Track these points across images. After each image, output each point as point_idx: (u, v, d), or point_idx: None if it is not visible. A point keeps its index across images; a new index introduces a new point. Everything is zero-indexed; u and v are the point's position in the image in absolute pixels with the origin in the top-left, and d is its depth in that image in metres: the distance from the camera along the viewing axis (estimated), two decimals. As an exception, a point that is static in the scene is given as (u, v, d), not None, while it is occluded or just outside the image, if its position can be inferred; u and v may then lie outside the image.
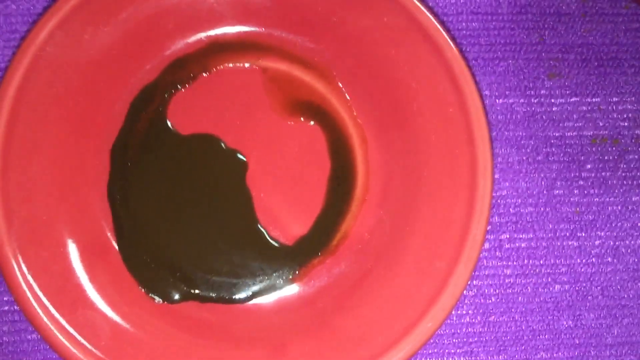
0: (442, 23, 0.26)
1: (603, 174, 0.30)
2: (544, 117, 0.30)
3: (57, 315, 0.24)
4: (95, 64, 0.27)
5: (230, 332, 0.26)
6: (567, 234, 0.30)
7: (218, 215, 0.28)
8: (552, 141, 0.30)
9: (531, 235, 0.30)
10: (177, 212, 0.27)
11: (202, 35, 0.28)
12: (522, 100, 0.30)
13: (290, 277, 0.27)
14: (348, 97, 0.29)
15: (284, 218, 0.28)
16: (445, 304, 0.25)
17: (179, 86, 0.28)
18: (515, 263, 0.29)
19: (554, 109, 0.30)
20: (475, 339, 0.29)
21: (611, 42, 0.31)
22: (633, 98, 0.30)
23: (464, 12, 0.30)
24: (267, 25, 0.28)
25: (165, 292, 0.27)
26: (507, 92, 0.30)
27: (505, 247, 0.29)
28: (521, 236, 0.29)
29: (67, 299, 0.25)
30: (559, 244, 0.29)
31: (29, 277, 0.24)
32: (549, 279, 0.29)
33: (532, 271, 0.29)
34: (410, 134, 0.27)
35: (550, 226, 0.30)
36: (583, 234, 0.30)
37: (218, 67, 0.29)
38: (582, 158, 0.30)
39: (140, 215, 0.27)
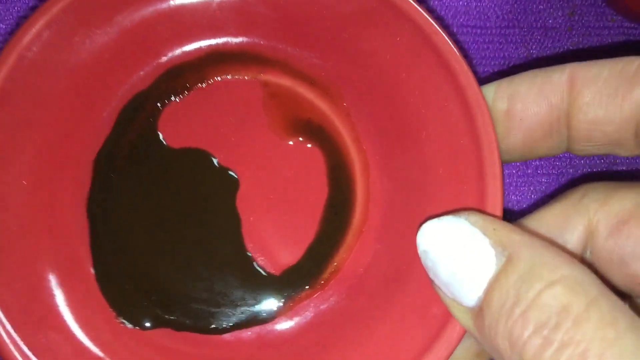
0: (459, 48, 0.24)
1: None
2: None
3: (13, 334, 0.22)
4: (85, 68, 0.25)
5: None
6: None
7: (203, 237, 0.26)
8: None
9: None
10: (159, 231, 0.26)
11: (202, 43, 0.27)
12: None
13: (275, 309, 0.25)
14: (352, 120, 0.27)
15: (273, 245, 0.26)
16: (440, 353, 0.22)
17: (173, 96, 0.27)
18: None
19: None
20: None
21: (598, 55, 0.30)
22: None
23: (453, 25, 0.30)
24: (271, 37, 0.27)
25: (138, 316, 0.25)
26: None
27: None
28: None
29: (31, 318, 0.23)
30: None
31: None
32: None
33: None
34: (417, 165, 0.25)
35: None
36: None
37: (216, 79, 0.27)
38: (571, 171, 0.30)
39: (120, 232, 0.25)
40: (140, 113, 0.26)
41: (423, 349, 0.22)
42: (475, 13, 0.30)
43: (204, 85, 0.27)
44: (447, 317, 0.22)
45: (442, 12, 0.30)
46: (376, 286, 0.25)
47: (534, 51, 0.30)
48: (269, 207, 0.26)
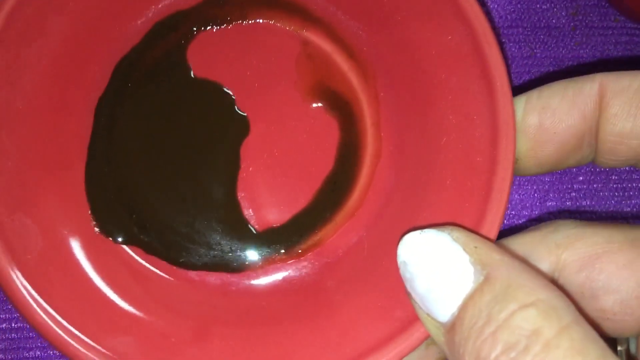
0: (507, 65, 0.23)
1: (595, 185, 0.30)
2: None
3: None
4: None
5: (164, 300, 0.24)
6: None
7: (198, 173, 0.25)
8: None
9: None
10: (157, 153, 0.25)
11: (253, -20, 0.26)
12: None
13: (246, 262, 0.25)
14: (379, 104, 0.26)
15: (263, 200, 0.26)
16: (400, 349, 0.22)
17: (211, 25, 0.26)
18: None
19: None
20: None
21: (601, 54, 0.31)
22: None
23: None
24: (325, -5, 0.26)
25: (113, 228, 0.25)
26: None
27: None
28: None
29: (9, 200, 0.23)
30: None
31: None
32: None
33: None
34: (427, 167, 0.24)
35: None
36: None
37: (258, 21, 0.26)
38: (574, 170, 0.30)
39: (119, 142, 0.25)
40: (174, 32, 0.26)
41: (374, 346, 0.22)
42: None
43: (245, 23, 0.26)
44: (408, 322, 0.22)
45: None
46: (349, 272, 0.25)
47: (537, 51, 0.30)
48: (271, 163, 0.26)
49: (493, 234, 0.22)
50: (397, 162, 0.26)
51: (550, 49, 0.31)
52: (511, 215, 0.30)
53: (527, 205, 0.30)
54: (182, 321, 0.24)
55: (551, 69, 0.30)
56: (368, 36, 0.26)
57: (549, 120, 0.22)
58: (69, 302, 0.22)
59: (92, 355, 0.22)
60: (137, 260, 0.25)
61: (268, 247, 0.25)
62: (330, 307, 0.24)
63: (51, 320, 0.22)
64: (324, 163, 0.26)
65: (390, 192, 0.25)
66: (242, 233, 0.25)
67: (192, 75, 0.26)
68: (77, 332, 0.22)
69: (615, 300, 0.21)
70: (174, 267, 0.25)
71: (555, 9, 0.31)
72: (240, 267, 0.25)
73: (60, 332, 0.22)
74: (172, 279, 0.25)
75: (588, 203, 0.30)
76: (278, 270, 0.25)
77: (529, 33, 0.31)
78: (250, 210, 0.25)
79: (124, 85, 0.25)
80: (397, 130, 0.26)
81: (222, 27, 0.26)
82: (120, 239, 0.25)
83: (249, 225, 0.25)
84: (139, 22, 0.26)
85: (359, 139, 0.26)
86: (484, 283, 0.18)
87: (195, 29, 0.26)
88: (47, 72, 0.24)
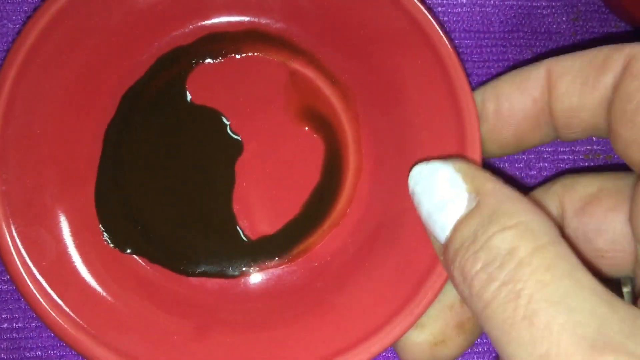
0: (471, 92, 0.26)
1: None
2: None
3: (8, 224, 0.24)
4: (139, 12, 0.28)
5: (167, 303, 0.27)
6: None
7: (197, 189, 0.28)
8: (545, 156, 0.31)
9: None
10: (160, 171, 0.28)
11: (245, 18, 0.29)
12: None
13: (243, 268, 0.28)
14: (359, 123, 0.29)
15: (256, 212, 0.28)
16: (384, 340, 0.24)
17: (208, 58, 0.29)
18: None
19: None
20: None
21: None
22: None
23: (457, 30, 0.31)
24: (309, 31, 0.29)
25: (121, 239, 0.27)
26: (500, 108, 0.31)
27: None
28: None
29: (29, 212, 0.25)
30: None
31: None
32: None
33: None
34: (405, 180, 0.27)
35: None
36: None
37: (250, 53, 0.29)
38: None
39: (126, 162, 0.28)
40: (175, 65, 0.29)
41: (362, 338, 0.24)
42: (478, 18, 0.31)
43: (238, 56, 0.29)
44: (390, 316, 0.24)
45: (446, 18, 0.31)
46: (336, 274, 0.27)
47: (538, 55, 0.31)
48: (263, 178, 0.28)
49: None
50: (377, 175, 0.28)
51: (550, 54, 0.30)
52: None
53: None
54: (184, 321, 0.26)
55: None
56: (348, 64, 0.29)
57: (504, 106, 0.24)
58: (80, 303, 0.25)
59: (101, 350, 0.24)
60: (142, 268, 0.27)
61: (261, 254, 0.28)
62: (320, 306, 0.26)
63: (65, 320, 0.24)
64: (311, 177, 0.28)
65: (371, 202, 0.28)
66: (238, 242, 0.28)
67: (191, 103, 0.29)
68: (88, 328, 0.24)
69: (605, 240, 0.23)
70: (176, 274, 0.27)
71: (555, 15, 0.31)
72: (236, 274, 0.28)
73: (72, 330, 0.24)
74: (174, 285, 0.27)
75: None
76: (271, 274, 0.28)
77: (529, 38, 0.31)
78: (245, 221, 0.28)
79: (130, 113, 0.28)
80: (376, 147, 0.29)
81: (218, 60, 0.29)
82: (128, 250, 0.27)
83: (244, 235, 0.28)
84: (144, 57, 0.29)
85: (342, 155, 0.29)
86: (475, 209, 0.20)
87: (194, 61, 0.29)
88: (62, 101, 0.27)
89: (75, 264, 0.26)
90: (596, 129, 0.24)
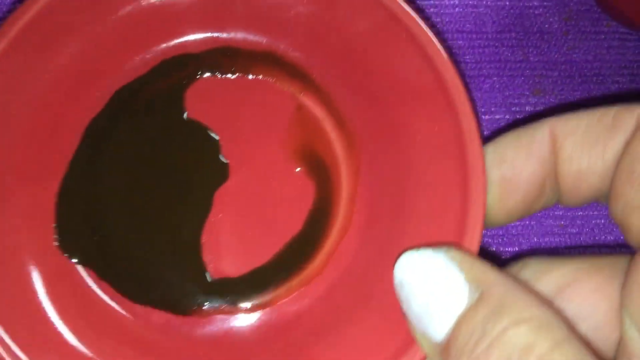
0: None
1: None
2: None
3: None
4: (150, 9, 0.26)
5: (108, 328, 0.24)
6: (552, 247, 0.30)
7: (167, 211, 0.26)
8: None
9: (516, 249, 0.30)
10: (134, 182, 0.26)
11: (264, 39, 0.27)
12: (507, 117, 0.31)
13: (193, 307, 0.25)
14: (360, 177, 0.26)
15: (224, 249, 0.25)
16: None
17: (217, 72, 0.27)
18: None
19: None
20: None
21: (594, 59, 0.32)
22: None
23: (450, 31, 0.31)
24: (329, 64, 0.26)
25: (73, 245, 0.25)
26: (492, 109, 0.31)
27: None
28: (507, 249, 0.30)
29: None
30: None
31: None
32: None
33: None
34: (394, 245, 0.24)
35: (535, 240, 0.30)
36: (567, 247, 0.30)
37: (260, 77, 0.27)
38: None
39: (100, 164, 0.26)
40: (179, 71, 0.27)
41: None
42: (471, 18, 0.31)
43: (248, 76, 0.27)
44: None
45: (438, 18, 0.31)
46: (295, 339, 0.24)
47: (530, 55, 0.31)
48: (241, 214, 0.26)
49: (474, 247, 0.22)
50: (364, 237, 0.25)
51: (543, 53, 0.31)
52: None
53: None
54: (122, 349, 0.23)
55: (544, 72, 0.31)
56: (360, 110, 0.26)
57: (510, 172, 0.22)
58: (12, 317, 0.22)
59: None
60: (88, 284, 0.25)
61: (218, 296, 0.25)
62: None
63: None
64: (292, 225, 0.26)
65: (351, 266, 0.25)
66: (196, 277, 0.25)
67: (185, 116, 0.26)
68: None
69: (588, 327, 0.21)
70: (122, 297, 0.25)
71: (548, 14, 0.32)
72: (185, 310, 0.25)
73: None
74: (119, 309, 0.25)
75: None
76: (222, 321, 0.25)
77: (522, 37, 0.31)
78: (210, 255, 0.25)
79: (118, 112, 0.26)
80: (370, 206, 0.26)
81: (226, 76, 0.27)
82: (76, 259, 0.25)
83: (204, 271, 0.25)
84: (148, 56, 0.27)
85: (331, 208, 0.26)
86: (479, 301, 0.18)
87: (200, 72, 0.27)
88: (48, 86, 0.25)
89: (15, 264, 0.24)
90: (603, 196, 0.22)
